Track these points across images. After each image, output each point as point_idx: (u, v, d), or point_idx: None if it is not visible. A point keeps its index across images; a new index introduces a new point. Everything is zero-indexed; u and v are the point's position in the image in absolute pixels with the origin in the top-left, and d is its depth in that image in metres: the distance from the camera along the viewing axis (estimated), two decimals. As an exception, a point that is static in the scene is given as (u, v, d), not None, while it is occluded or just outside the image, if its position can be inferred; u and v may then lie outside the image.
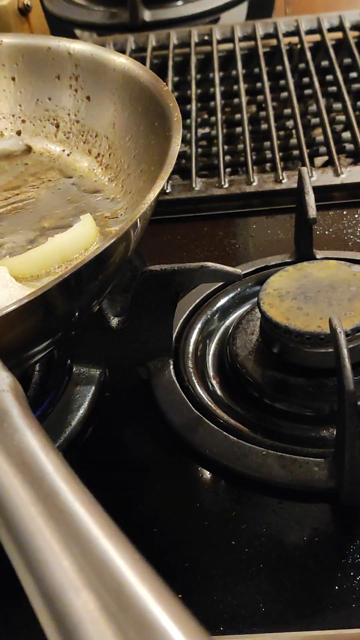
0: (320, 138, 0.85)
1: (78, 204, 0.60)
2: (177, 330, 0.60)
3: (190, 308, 0.63)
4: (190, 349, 0.59)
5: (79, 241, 0.55)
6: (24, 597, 0.26)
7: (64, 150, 0.66)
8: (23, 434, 0.31)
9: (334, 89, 0.93)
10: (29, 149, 0.67)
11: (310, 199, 0.60)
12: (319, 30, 1.03)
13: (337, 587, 0.43)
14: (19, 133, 0.68)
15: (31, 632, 0.43)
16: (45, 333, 0.43)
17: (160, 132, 0.53)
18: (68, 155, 0.65)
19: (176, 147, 0.49)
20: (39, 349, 0.44)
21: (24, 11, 0.91)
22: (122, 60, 0.61)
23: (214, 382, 0.57)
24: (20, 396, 0.34)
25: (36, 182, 0.64)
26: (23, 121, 0.68)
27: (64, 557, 0.26)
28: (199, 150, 0.86)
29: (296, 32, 1.03)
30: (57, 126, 0.66)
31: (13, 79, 0.67)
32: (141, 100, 0.57)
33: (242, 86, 0.93)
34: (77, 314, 0.44)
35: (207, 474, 0.50)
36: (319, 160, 0.84)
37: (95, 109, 0.63)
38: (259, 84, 0.95)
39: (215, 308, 0.63)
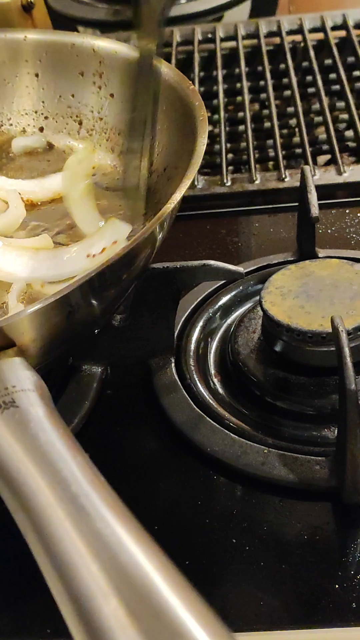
0: (323, 136, 0.85)
1: (100, 202, 0.60)
2: (178, 328, 0.60)
3: (192, 306, 0.63)
4: (192, 347, 0.59)
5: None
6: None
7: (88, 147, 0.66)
8: (49, 434, 0.31)
9: (337, 87, 0.93)
10: (51, 146, 0.67)
11: (313, 197, 0.60)
12: (322, 28, 1.02)
13: (337, 586, 0.43)
14: (41, 130, 0.68)
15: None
16: (68, 333, 0.42)
17: (185, 131, 0.53)
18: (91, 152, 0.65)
19: (202, 146, 0.48)
20: (62, 349, 0.44)
21: (28, 8, 0.91)
22: None
23: (215, 380, 0.57)
24: (45, 396, 0.34)
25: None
26: (46, 118, 0.68)
27: (92, 562, 0.25)
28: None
29: (299, 31, 1.03)
30: (80, 123, 0.66)
31: (36, 75, 0.67)
32: (166, 98, 0.57)
33: (245, 84, 0.93)
34: (100, 313, 0.44)
35: (208, 472, 0.50)
36: (322, 159, 0.84)
37: (119, 107, 0.63)
38: (262, 82, 0.95)
39: (217, 306, 0.63)
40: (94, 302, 0.42)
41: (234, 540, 0.46)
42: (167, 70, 0.58)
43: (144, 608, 0.24)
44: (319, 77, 0.91)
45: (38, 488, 0.28)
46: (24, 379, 0.34)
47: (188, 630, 0.23)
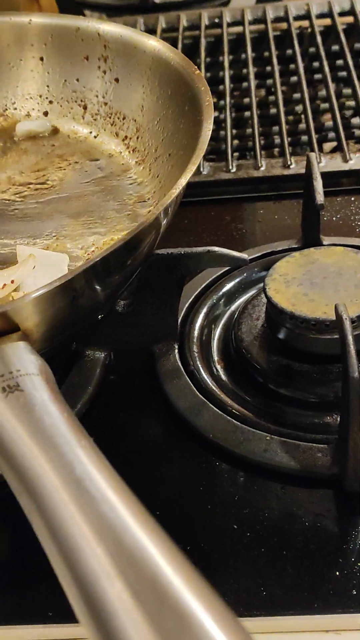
0: (329, 123, 0.85)
1: (104, 186, 0.60)
2: (182, 314, 0.60)
3: (196, 292, 0.63)
4: (196, 333, 0.59)
5: None
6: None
7: (91, 132, 0.66)
8: (54, 418, 0.31)
9: (344, 74, 0.92)
10: (55, 130, 0.67)
11: (319, 184, 0.60)
12: (329, 14, 1.02)
13: (337, 573, 0.43)
14: (46, 114, 0.68)
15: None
16: (72, 318, 0.42)
17: (190, 117, 0.53)
18: (95, 137, 0.65)
19: (208, 132, 0.48)
20: (65, 334, 0.44)
21: (34, -9, 0.91)
22: (152, 43, 0.60)
23: (218, 366, 0.57)
24: (50, 380, 0.34)
25: (62, 164, 0.63)
26: (50, 102, 0.67)
27: (97, 545, 0.26)
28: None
29: (307, 16, 1.02)
30: (85, 108, 0.66)
31: (41, 59, 0.67)
32: (171, 83, 0.57)
33: (252, 70, 0.92)
34: (104, 299, 0.44)
35: (210, 458, 0.50)
36: (328, 146, 0.84)
37: (124, 91, 0.63)
38: (268, 68, 0.94)
39: (221, 293, 0.63)
40: (98, 287, 0.42)
41: (235, 526, 0.46)
42: (173, 55, 0.57)
43: (148, 590, 0.24)
44: (325, 64, 0.91)
45: (43, 471, 0.29)
46: (28, 363, 0.34)
47: (192, 612, 0.23)
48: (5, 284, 0.48)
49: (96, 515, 0.27)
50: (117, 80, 0.63)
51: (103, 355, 0.58)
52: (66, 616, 0.41)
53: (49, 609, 0.43)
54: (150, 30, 1.03)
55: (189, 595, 0.24)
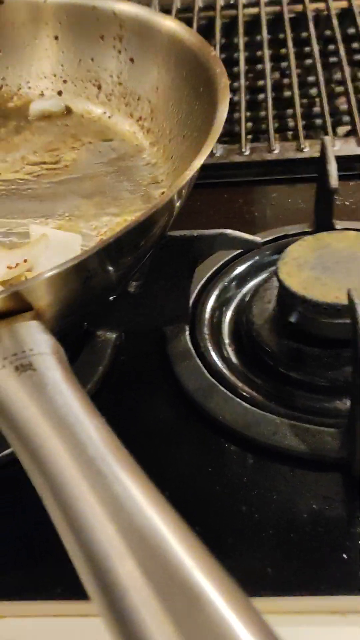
0: (344, 107, 0.84)
1: (118, 167, 0.60)
2: (194, 296, 0.60)
3: (208, 275, 0.63)
4: (207, 315, 0.59)
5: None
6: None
7: (105, 113, 0.65)
8: (67, 397, 0.31)
9: (359, 57, 0.91)
10: (69, 110, 0.67)
11: (333, 168, 0.60)
12: (346, -4, 1.01)
13: (345, 555, 0.43)
14: (60, 93, 0.67)
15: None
16: (84, 298, 0.42)
17: (205, 98, 0.52)
18: (109, 117, 0.65)
19: (223, 114, 0.48)
20: (77, 314, 0.44)
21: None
22: (168, 23, 0.60)
23: (229, 349, 0.57)
24: (62, 359, 0.34)
25: (76, 144, 0.63)
26: (65, 81, 0.67)
27: (108, 523, 0.26)
28: (221, 116, 0.85)
29: (323, -2, 1.01)
30: (99, 87, 0.65)
31: (56, 37, 0.66)
32: (186, 64, 0.56)
33: (267, 52, 0.92)
34: (117, 280, 0.44)
35: (219, 440, 0.51)
36: (342, 130, 0.84)
37: (139, 71, 0.62)
38: (283, 50, 0.94)
39: (232, 275, 0.63)
40: (110, 268, 0.42)
41: (244, 508, 0.46)
42: (189, 35, 0.57)
43: (159, 569, 0.24)
44: (341, 46, 0.90)
45: (55, 451, 0.29)
46: (41, 343, 0.35)
47: (203, 591, 0.23)
48: (18, 263, 0.48)
49: (108, 495, 0.27)
50: (132, 60, 0.63)
51: (114, 335, 0.58)
52: (73, 593, 0.42)
53: (58, 586, 0.44)
54: (166, 10, 1.02)
55: (200, 575, 0.24)
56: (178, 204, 0.44)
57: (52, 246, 0.49)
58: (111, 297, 0.49)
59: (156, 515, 0.26)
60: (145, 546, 0.25)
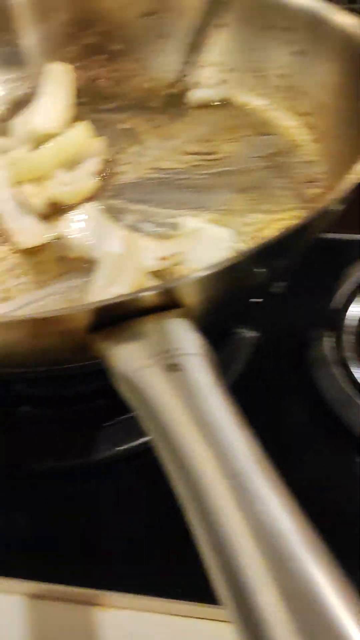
0: None
1: (274, 162, 0.58)
2: (340, 301, 0.58)
3: (357, 279, 0.60)
4: (352, 322, 0.57)
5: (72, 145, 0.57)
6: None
7: (266, 105, 0.64)
8: (215, 403, 0.30)
9: None
10: (228, 101, 0.66)
11: None
12: None
13: None
14: (221, 83, 0.66)
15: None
16: (232, 298, 0.41)
17: None
18: (270, 111, 0.63)
19: None
20: (220, 314, 0.43)
21: None
22: (343, 18, 0.58)
23: (374, 360, 0.55)
24: (212, 361, 0.33)
25: (233, 136, 0.62)
26: (228, 71, 0.66)
27: (254, 548, 0.25)
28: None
29: None
30: (264, 79, 0.64)
31: (224, 27, 0.65)
32: (346, 55, 0.54)
33: None
34: (267, 281, 0.43)
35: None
36: None
37: (308, 65, 0.61)
38: None
39: (383, 282, 0.60)
40: (264, 269, 0.40)
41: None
42: (350, 21, 0.55)
43: (305, 606, 0.23)
44: None
45: (201, 459, 0.28)
46: (190, 342, 0.34)
47: (349, 636, 0.22)
48: (166, 256, 0.48)
49: (253, 515, 0.26)
50: (302, 53, 0.61)
51: (253, 336, 0.57)
52: (192, 596, 0.41)
53: (178, 587, 0.43)
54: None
55: (346, 617, 0.22)
56: (341, 207, 0.42)
57: (204, 240, 0.48)
58: (257, 299, 0.48)
59: (302, 546, 0.25)
60: (292, 579, 0.24)
